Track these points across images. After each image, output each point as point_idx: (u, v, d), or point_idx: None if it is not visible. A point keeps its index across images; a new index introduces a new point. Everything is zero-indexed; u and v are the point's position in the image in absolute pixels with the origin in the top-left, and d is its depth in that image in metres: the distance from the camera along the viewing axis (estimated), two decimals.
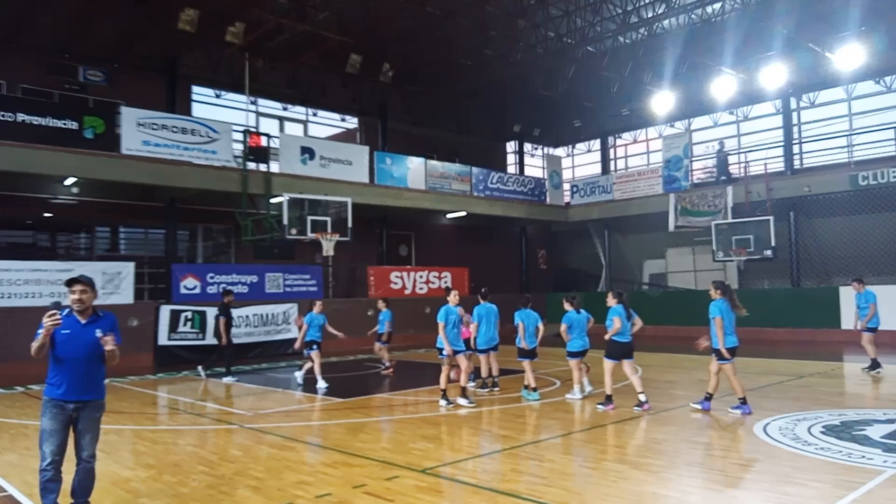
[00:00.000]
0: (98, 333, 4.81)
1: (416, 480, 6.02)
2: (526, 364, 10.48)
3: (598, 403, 9.45)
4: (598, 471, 6.24)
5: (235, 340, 17.58)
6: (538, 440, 7.77)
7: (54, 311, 4.62)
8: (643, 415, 8.87)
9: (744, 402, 8.78)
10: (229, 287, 16.39)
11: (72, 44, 18.79)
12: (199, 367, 14.27)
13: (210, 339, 17.25)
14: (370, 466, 6.52)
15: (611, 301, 9.44)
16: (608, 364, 9.38)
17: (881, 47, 20.54)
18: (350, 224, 18.39)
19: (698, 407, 9.01)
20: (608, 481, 5.89)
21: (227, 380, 13.27)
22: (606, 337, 9.40)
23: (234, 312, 17.67)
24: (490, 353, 11.12)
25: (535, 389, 10.31)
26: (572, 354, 10.14)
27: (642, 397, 9.19)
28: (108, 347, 4.77)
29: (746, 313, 8.83)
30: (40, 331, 4.66)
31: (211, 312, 17.28)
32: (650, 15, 20.16)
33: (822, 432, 7.46)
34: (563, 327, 10.06)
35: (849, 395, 10.83)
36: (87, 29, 18.55)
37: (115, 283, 16.27)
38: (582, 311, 10.22)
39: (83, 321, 4.84)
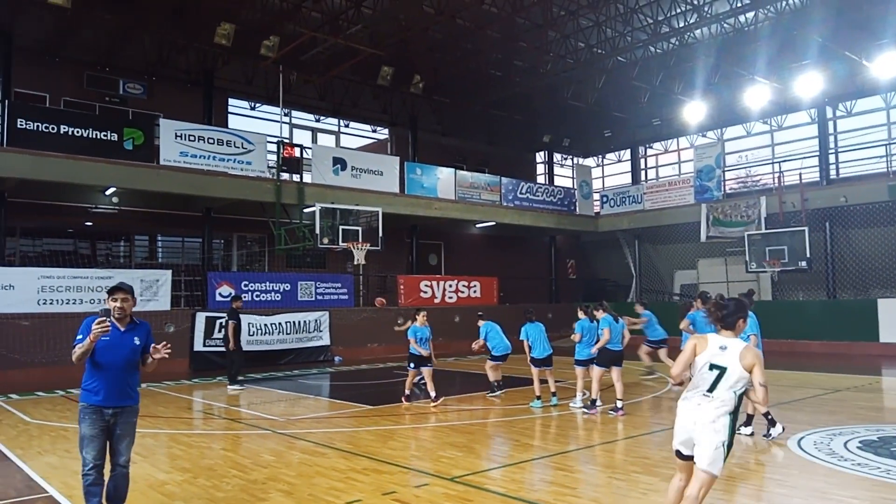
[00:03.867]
0: (136, 341, 4.91)
1: (445, 488, 6.06)
2: (535, 372, 10.68)
3: (583, 408, 9.96)
4: (627, 482, 6.22)
5: (268, 347, 17.98)
6: (568, 450, 7.76)
7: (104, 318, 4.67)
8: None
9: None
10: (238, 294, 16.24)
11: (112, 58, 19.39)
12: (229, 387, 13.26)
13: (243, 346, 17.55)
14: (400, 473, 6.59)
15: (599, 313, 9.92)
16: (597, 371, 9.83)
17: None
18: (381, 233, 18.57)
19: None
20: (638, 493, 5.87)
21: (232, 388, 12.87)
22: (599, 346, 9.79)
23: (268, 320, 18.08)
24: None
25: (538, 397, 10.55)
26: (579, 363, 10.21)
27: (619, 403, 9.67)
28: (158, 356, 4.90)
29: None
30: (80, 336, 4.72)
31: (245, 320, 17.58)
32: (682, 25, 20.03)
33: (858, 447, 7.32)
34: (576, 336, 10.17)
35: (887, 409, 10.59)
36: (126, 43, 19.12)
37: (153, 290, 16.66)
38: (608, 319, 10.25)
39: (122, 328, 4.89)
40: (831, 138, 24.01)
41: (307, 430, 8.94)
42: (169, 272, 17.34)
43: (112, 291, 4.92)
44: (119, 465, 4.92)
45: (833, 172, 23.64)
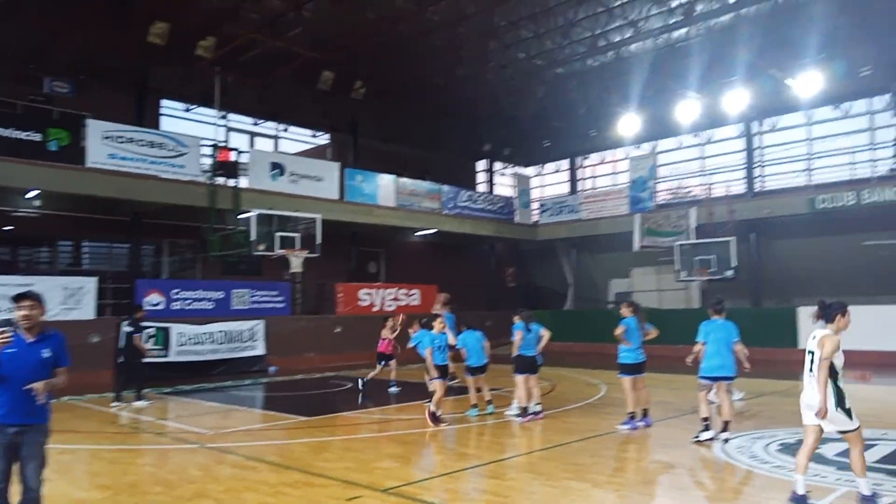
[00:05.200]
0: (45, 354, 4.60)
1: (378, 500, 6.00)
2: (470, 381, 10.57)
3: (516, 416, 9.99)
4: (558, 489, 6.29)
5: (199, 358, 17.42)
6: (502, 458, 7.80)
7: (5, 329, 4.43)
8: (610, 432, 8.99)
9: (632, 417, 9.22)
10: (140, 303, 15.43)
11: (38, 54, 18.45)
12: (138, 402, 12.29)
13: (173, 357, 16.95)
14: (332, 486, 6.48)
15: (517, 319, 10.13)
16: (519, 378, 9.92)
17: (840, 73, 21.25)
18: (319, 240, 18.31)
19: (626, 428, 9.08)
20: (569, 500, 5.95)
21: (140, 403, 12.09)
22: (513, 351, 9.96)
23: (200, 329, 17.53)
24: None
25: (474, 406, 10.48)
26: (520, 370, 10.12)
27: (539, 407, 10.02)
28: (40, 400, 4.47)
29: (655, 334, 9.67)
30: None
31: (175, 329, 17.00)
32: (618, 39, 20.62)
33: (778, 450, 7.64)
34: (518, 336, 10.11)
35: None
36: (54, 39, 18.22)
37: (77, 298, 15.91)
38: (533, 327, 10.22)
39: (30, 339, 4.60)
40: (757, 152, 25.12)
41: (237, 444, 8.69)
42: (95, 279, 16.60)
43: (17, 299, 4.63)
44: (29, 490, 4.58)
45: (758, 185, 24.72)
